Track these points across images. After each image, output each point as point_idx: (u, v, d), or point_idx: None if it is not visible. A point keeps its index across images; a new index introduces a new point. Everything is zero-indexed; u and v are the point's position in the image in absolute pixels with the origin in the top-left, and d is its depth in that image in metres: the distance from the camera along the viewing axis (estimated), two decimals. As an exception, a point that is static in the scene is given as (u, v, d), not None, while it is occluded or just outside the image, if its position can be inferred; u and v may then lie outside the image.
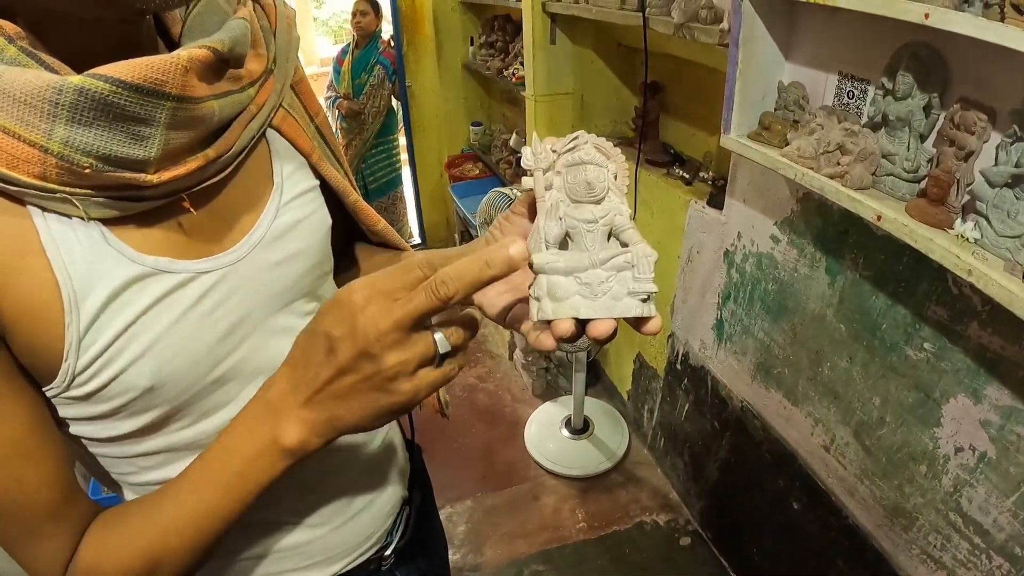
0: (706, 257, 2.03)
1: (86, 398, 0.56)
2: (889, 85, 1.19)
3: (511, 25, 3.42)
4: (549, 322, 0.49)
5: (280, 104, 0.66)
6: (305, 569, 0.78)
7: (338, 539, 0.80)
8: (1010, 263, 0.99)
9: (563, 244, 0.53)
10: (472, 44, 3.89)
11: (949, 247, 1.05)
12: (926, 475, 1.36)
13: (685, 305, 2.19)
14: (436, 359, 0.50)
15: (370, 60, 3.90)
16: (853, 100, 1.34)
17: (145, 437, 0.62)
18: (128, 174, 0.51)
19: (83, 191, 0.51)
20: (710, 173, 2.13)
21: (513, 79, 3.10)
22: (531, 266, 0.50)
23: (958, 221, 1.08)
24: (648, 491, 2.53)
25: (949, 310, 1.23)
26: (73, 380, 0.55)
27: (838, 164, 1.25)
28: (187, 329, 0.59)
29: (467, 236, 4.22)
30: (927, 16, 0.98)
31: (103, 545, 0.59)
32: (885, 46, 1.20)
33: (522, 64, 2.87)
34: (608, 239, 0.53)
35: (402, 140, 4.31)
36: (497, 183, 3.65)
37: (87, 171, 0.49)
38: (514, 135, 3.54)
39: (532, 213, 0.61)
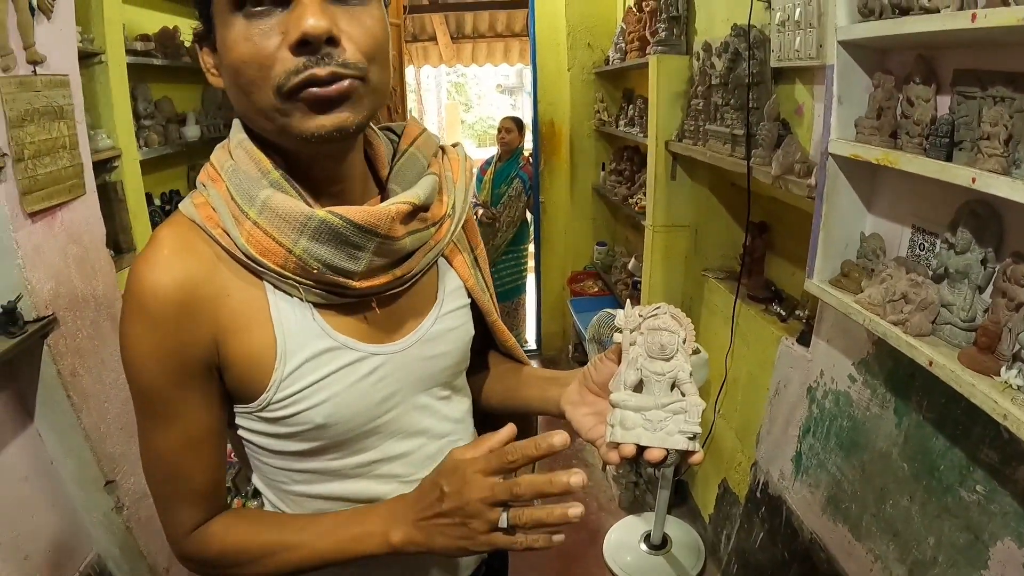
0: (792, 391, 2.11)
1: (272, 420, 0.78)
2: (951, 239, 1.30)
3: (638, 156, 3.65)
4: (618, 444, 0.70)
5: (451, 239, 0.87)
6: None
7: None
8: (1048, 410, 1.06)
9: (637, 387, 0.73)
10: (603, 169, 4.16)
11: (989, 392, 1.12)
12: (973, 619, 1.35)
13: (770, 436, 2.24)
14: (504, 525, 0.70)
15: (510, 173, 4.28)
16: (924, 252, 1.46)
17: (305, 458, 0.82)
18: (341, 279, 0.73)
19: (306, 282, 0.73)
20: (806, 312, 2.22)
21: (636, 208, 3.30)
22: (610, 401, 0.72)
23: (1003, 368, 1.16)
24: (717, 618, 2.50)
25: (1000, 453, 1.28)
26: (267, 406, 0.76)
27: (901, 312, 1.36)
28: (356, 392, 0.80)
29: (579, 348, 4.39)
30: (974, 180, 1.10)
31: (227, 527, 0.82)
32: (950, 203, 1.32)
33: (645, 194, 3.08)
34: (672, 388, 0.73)
35: (531, 250, 4.60)
36: (614, 302, 3.80)
37: (315, 271, 0.72)
38: (633, 259, 3.71)
39: (619, 359, 0.79)
